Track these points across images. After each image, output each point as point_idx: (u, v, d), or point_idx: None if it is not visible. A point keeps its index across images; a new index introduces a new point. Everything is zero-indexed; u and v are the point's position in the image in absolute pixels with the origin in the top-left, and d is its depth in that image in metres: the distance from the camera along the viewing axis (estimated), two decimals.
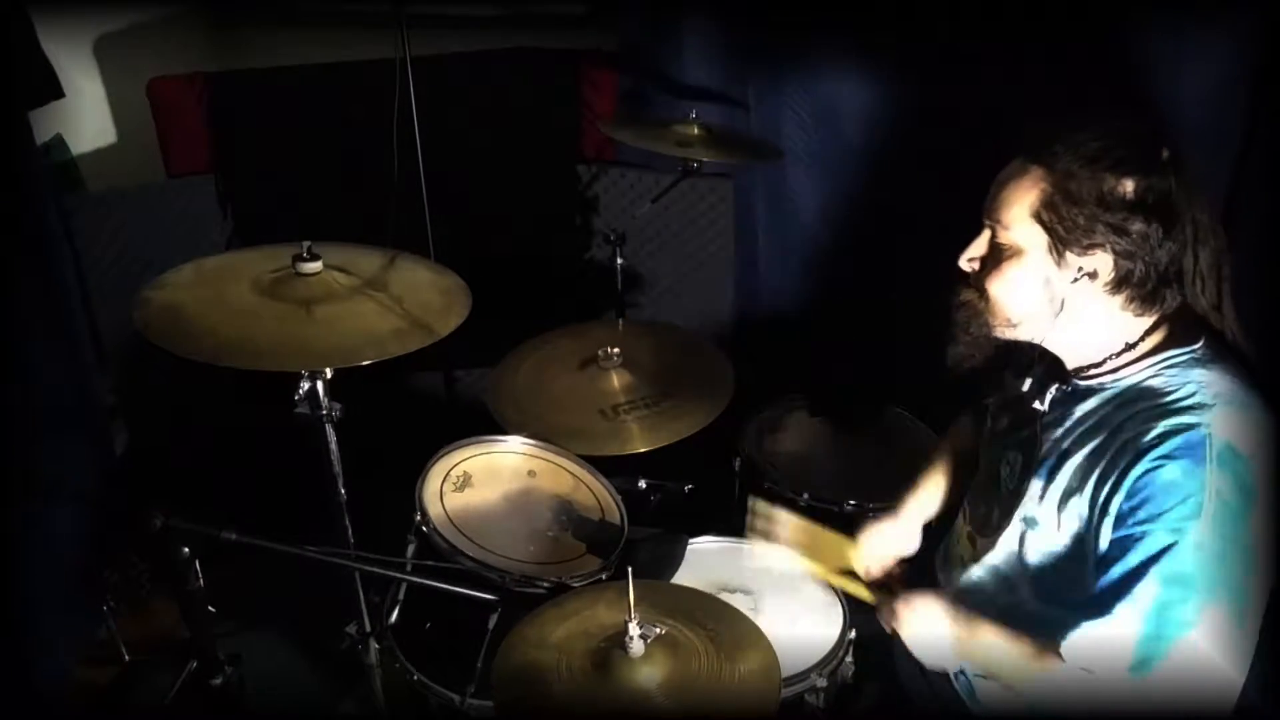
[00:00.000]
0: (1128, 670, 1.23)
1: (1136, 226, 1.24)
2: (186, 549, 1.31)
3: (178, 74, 2.76)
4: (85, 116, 2.87)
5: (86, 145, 2.87)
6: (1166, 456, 1.22)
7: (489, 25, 2.90)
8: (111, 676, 2.29)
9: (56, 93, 2.56)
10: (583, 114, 2.81)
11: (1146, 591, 1.21)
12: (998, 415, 1.57)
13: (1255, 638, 1.26)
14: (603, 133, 2.64)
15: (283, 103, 2.85)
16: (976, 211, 1.37)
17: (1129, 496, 1.25)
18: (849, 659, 1.65)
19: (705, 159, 2.20)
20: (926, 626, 1.43)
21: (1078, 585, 1.35)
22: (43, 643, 2.14)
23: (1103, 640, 1.24)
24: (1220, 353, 1.31)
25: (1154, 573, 1.21)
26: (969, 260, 1.38)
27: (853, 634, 1.66)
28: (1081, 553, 1.33)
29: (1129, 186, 1.24)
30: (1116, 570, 1.24)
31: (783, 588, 1.75)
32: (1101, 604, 1.25)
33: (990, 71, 2.17)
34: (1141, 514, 1.23)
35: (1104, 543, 1.28)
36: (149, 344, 1.42)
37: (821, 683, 1.57)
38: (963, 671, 1.55)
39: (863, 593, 1.57)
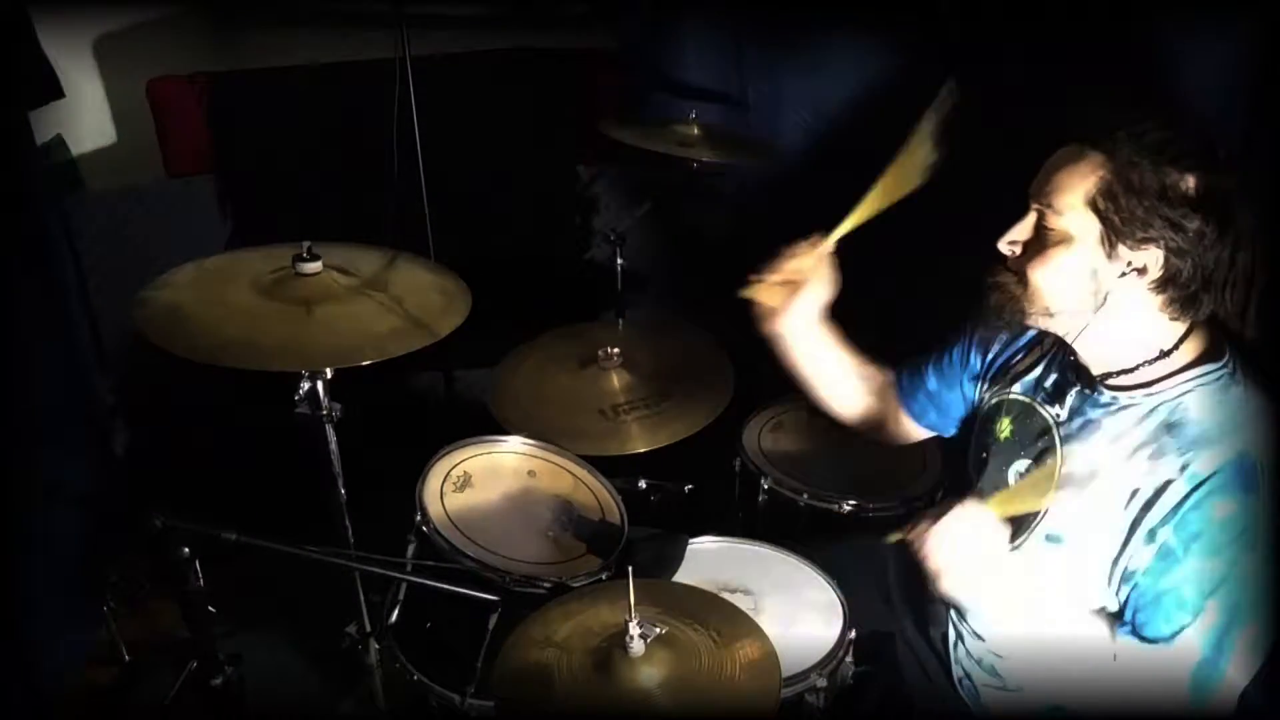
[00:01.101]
0: (1188, 696, 1.23)
1: (1194, 224, 1.20)
2: (186, 549, 1.31)
3: (178, 74, 2.76)
4: (85, 116, 2.86)
5: (86, 145, 2.87)
6: (1220, 489, 1.20)
7: (489, 25, 2.90)
8: (111, 676, 2.29)
9: (56, 93, 2.56)
10: (583, 114, 2.81)
11: (1204, 622, 1.21)
12: (994, 416, 1.54)
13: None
14: (603, 133, 2.64)
15: (283, 103, 2.85)
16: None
17: (1180, 528, 1.23)
18: (849, 659, 1.65)
19: (705, 159, 2.20)
20: (973, 543, 1.29)
21: (1101, 602, 1.34)
22: (43, 643, 2.14)
23: (1159, 663, 1.25)
24: (1246, 367, 1.29)
25: (1211, 605, 1.21)
26: (1010, 243, 1.33)
27: (853, 634, 1.65)
28: (1109, 573, 1.31)
29: (1191, 182, 1.20)
30: (1171, 602, 1.23)
31: (783, 588, 1.75)
32: (1156, 633, 1.25)
33: (989, 71, 2.17)
34: (1196, 548, 1.22)
35: (1143, 568, 1.26)
36: (149, 344, 1.42)
37: (821, 683, 1.57)
38: (967, 675, 1.55)
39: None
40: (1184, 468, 1.23)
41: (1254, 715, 1.30)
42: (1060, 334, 1.36)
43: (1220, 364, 1.28)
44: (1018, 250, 1.33)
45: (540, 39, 2.87)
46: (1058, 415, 1.40)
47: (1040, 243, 1.30)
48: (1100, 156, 1.23)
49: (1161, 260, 1.23)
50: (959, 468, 1.71)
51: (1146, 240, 1.22)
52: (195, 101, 2.75)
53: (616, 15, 2.71)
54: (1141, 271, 1.25)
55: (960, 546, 1.29)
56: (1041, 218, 1.30)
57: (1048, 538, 1.38)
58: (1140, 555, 1.26)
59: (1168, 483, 1.24)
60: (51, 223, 2.34)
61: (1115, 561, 1.30)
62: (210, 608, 1.38)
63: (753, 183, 2.70)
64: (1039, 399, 1.44)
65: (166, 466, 2.70)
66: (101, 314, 2.57)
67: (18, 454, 2.06)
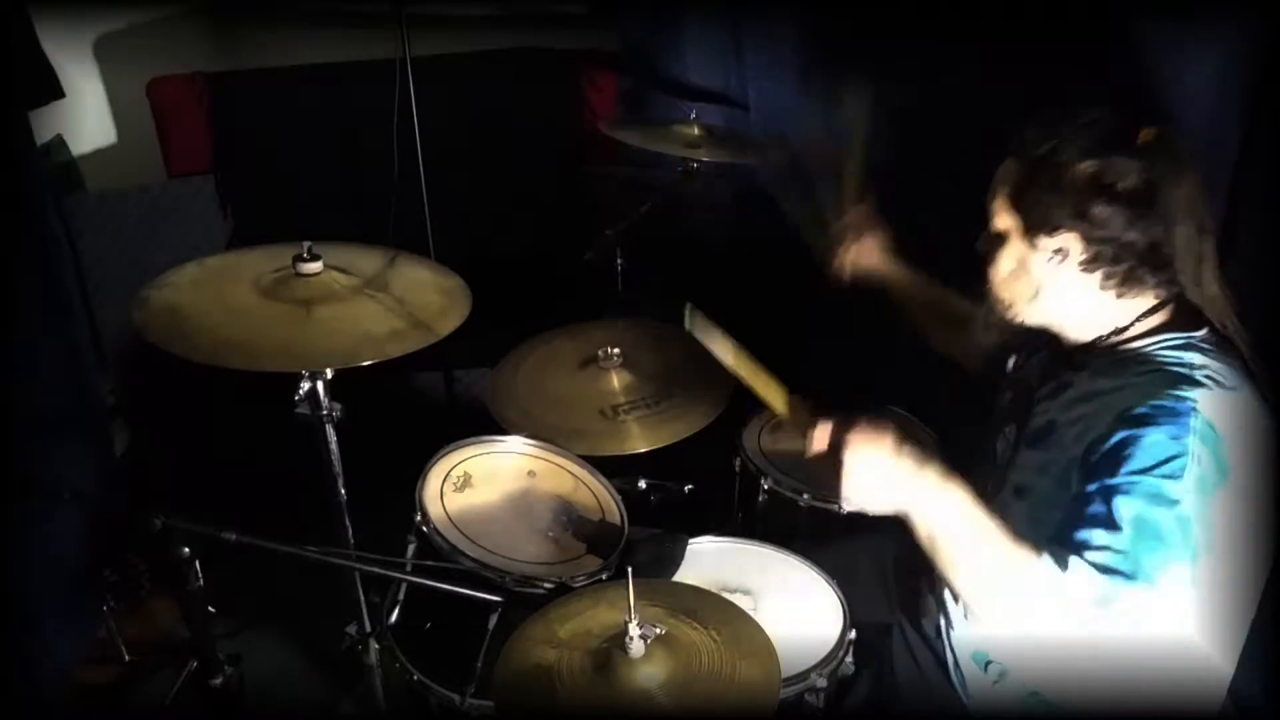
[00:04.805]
0: (1091, 605, 1.21)
1: (1098, 209, 1.27)
2: (186, 549, 1.31)
3: (178, 74, 2.76)
4: (85, 116, 2.87)
5: (86, 145, 2.88)
6: (1151, 421, 1.23)
7: (489, 25, 2.90)
8: (111, 676, 2.29)
9: (56, 93, 2.56)
10: (583, 114, 2.81)
11: (1121, 538, 1.20)
12: (1001, 392, 1.59)
13: (1245, 630, 1.27)
14: (603, 133, 2.64)
15: (283, 103, 2.86)
16: (977, 209, 1.38)
17: (1111, 454, 1.25)
18: (849, 659, 1.65)
19: (705, 159, 2.20)
20: (875, 460, 1.32)
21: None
22: (43, 643, 2.14)
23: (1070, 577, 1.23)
24: (1222, 344, 1.31)
25: (1131, 519, 1.20)
26: (979, 247, 1.42)
27: (853, 634, 1.65)
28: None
29: (1090, 171, 1.27)
30: (1095, 511, 1.23)
31: (783, 588, 1.75)
32: (1078, 543, 1.23)
33: (991, 70, 2.17)
34: (1123, 469, 1.23)
35: (1094, 511, 1.26)
36: (149, 344, 1.42)
37: (821, 683, 1.57)
38: (957, 663, 1.55)
39: (775, 399, 1.57)
40: (1124, 410, 1.27)
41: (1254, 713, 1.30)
42: (1023, 322, 1.42)
43: (1188, 335, 1.32)
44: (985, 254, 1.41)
45: (540, 39, 2.87)
46: (1039, 380, 1.46)
47: (989, 246, 1.40)
48: (1013, 160, 1.34)
49: (1080, 243, 1.30)
50: (957, 464, 1.72)
51: (1057, 228, 1.30)
52: (195, 101, 2.76)
53: (616, 15, 2.71)
54: (1064, 254, 1.32)
55: (868, 471, 1.32)
56: (988, 224, 1.39)
57: (1015, 491, 1.42)
58: (1091, 500, 1.27)
59: (1110, 426, 1.27)
60: (51, 223, 2.34)
61: (1075, 504, 1.31)
62: (210, 608, 1.38)
63: (753, 183, 2.70)
64: (1027, 372, 1.52)
65: (166, 466, 2.71)
66: (101, 314, 2.57)
67: (18, 454, 2.06)
